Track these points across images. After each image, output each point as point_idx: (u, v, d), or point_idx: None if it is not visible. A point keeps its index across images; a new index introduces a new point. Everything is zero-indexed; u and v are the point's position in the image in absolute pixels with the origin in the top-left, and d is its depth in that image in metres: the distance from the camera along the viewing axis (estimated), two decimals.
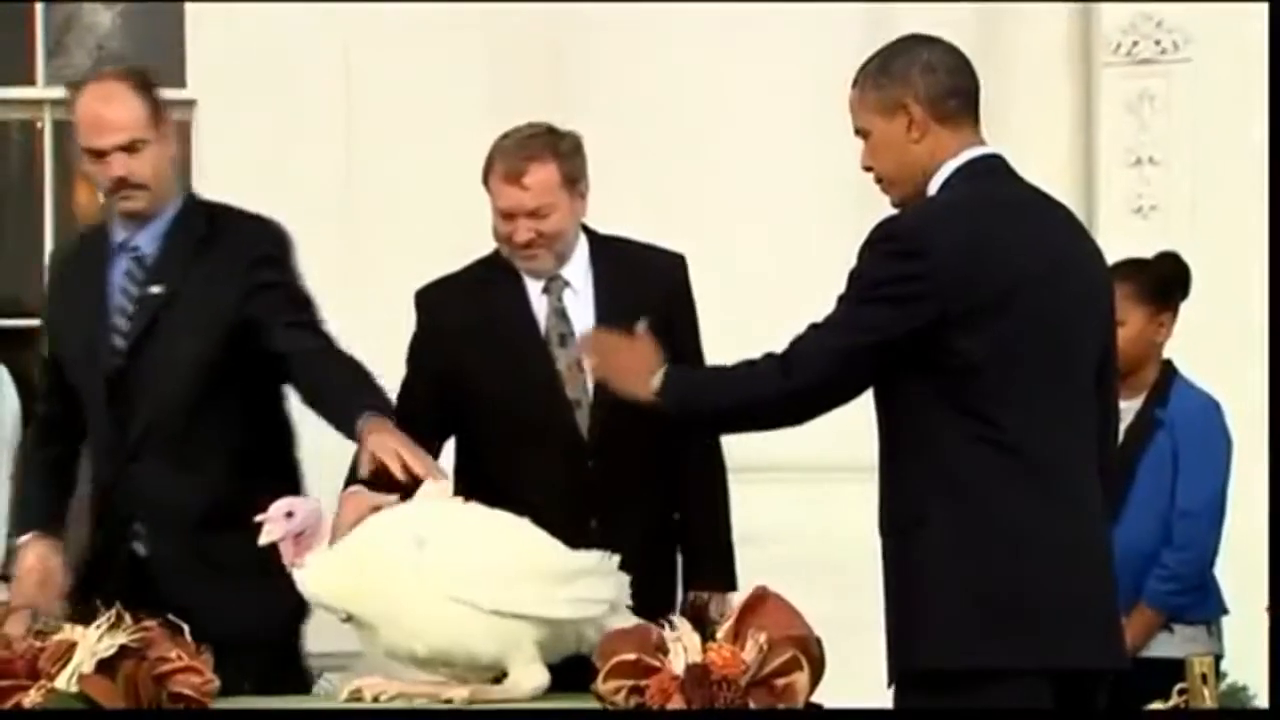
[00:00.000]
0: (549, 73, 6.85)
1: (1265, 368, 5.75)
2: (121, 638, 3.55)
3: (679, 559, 4.49)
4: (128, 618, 3.62)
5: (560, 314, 4.42)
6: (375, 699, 3.65)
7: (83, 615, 3.79)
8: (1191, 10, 6.76)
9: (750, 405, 3.65)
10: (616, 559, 3.77)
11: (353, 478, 3.98)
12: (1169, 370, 5.14)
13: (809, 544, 6.10)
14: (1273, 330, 6.02)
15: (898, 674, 3.59)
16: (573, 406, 4.38)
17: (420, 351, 4.50)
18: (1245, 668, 5.18)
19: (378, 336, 4.59)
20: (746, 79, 6.76)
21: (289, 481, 4.36)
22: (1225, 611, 5.11)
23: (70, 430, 4.62)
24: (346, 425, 4.00)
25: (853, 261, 3.62)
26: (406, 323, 4.64)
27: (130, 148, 4.45)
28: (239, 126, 7.01)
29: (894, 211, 3.69)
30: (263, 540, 3.66)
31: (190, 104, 7.13)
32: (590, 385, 4.35)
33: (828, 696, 3.56)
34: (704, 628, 3.52)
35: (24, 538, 4.57)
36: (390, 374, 4.46)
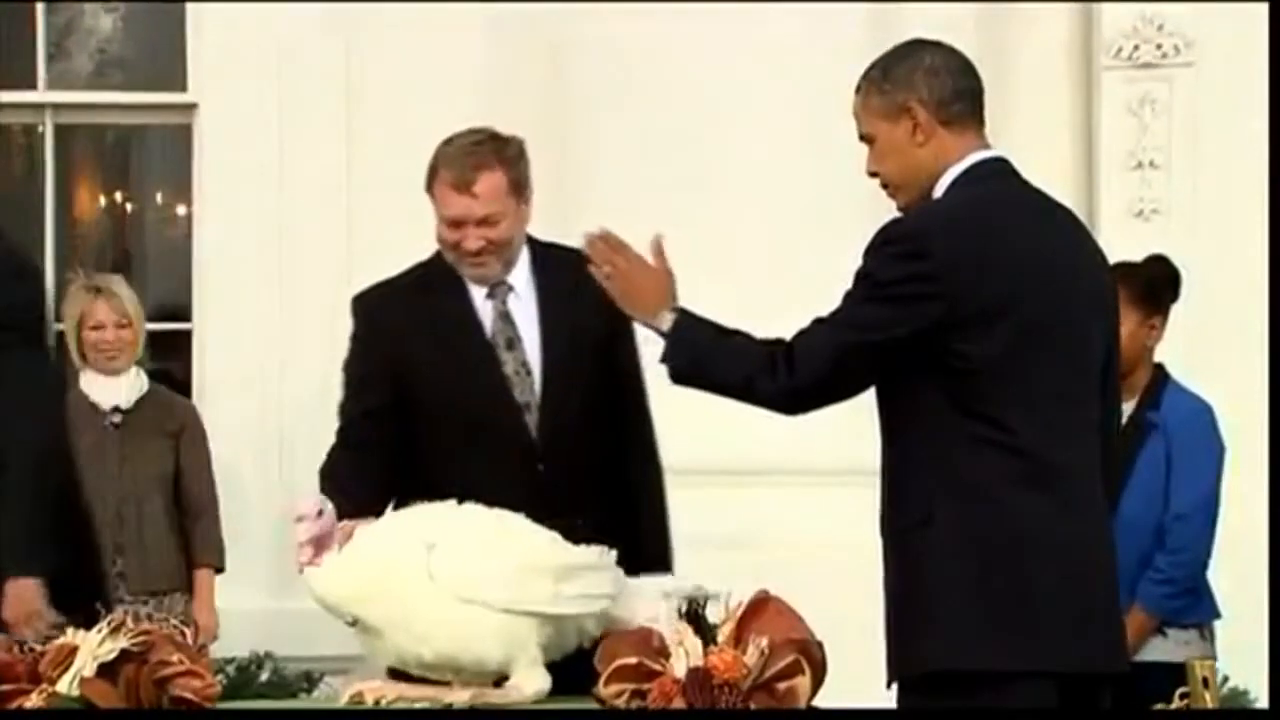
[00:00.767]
0: (549, 73, 6.86)
1: (1265, 370, 5.75)
2: (123, 641, 3.54)
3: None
4: (129, 622, 3.62)
5: (506, 317, 4.41)
6: (376, 703, 3.65)
7: None
8: (1192, 14, 6.77)
9: (750, 391, 3.64)
10: (614, 553, 3.77)
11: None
12: (1161, 374, 5.14)
13: (809, 547, 6.11)
14: (1273, 332, 6.02)
15: (901, 676, 3.58)
16: (522, 410, 4.37)
17: (364, 356, 4.45)
18: (1239, 671, 5.19)
19: None
20: (747, 79, 6.76)
21: None
22: (1218, 615, 5.11)
23: None
24: None
25: (856, 264, 3.62)
26: None
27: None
28: (239, 129, 7.02)
29: (899, 214, 3.69)
30: (302, 537, 3.63)
31: (191, 107, 7.14)
32: (538, 388, 4.36)
33: (828, 700, 3.56)
34: (705, 631, 3.52)
35: None
36: None
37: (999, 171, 3.67)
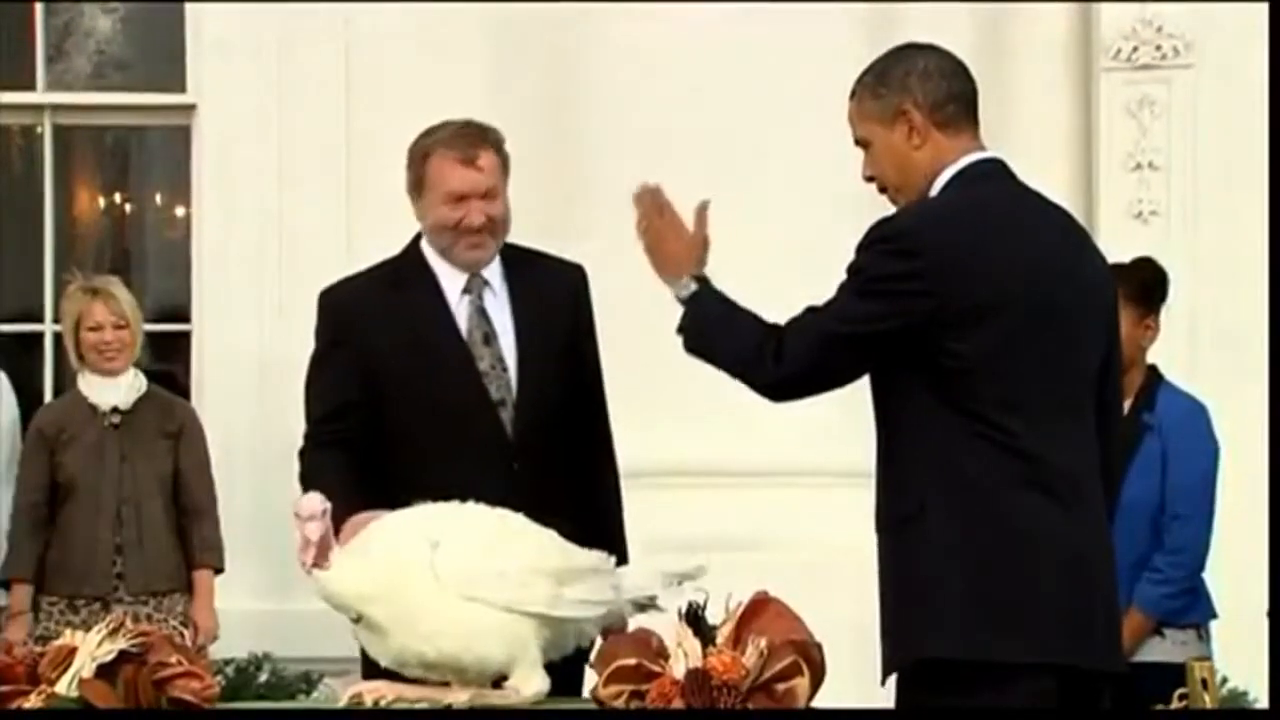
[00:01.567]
0: (549, 72, 6.86)
1: (1265, 371, 5.75)
2: (121, 642, 3.54)
3: None
4: (128, 622, 3.62)
5: (481, 313, 4.41)
6: (376, 704, 3.65)
7: None
8: (1191, 15, 6.77)
9: (743, 375, 3.67)
10: (613, 559, 3.79)
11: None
12: (1154, 375, 5.14)
13: (808, 549, 6.11)
14: (1273, 334, 6.02)
15: (897, 667, 3.58)
16: (497, 407, 4.37)
17: (333, 353, 4.43)
18: (1238, 672, 5.19)
19: None
20: (747, 79, 6.76)
21: None
22: (1215, 615, 5.11)
23: None
24: None
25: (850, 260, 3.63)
26: None
27: None
28: (238, 130, 7.02)
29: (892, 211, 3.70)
30: (311, 536, 3.61)
31: (190, 108, 7.14)
32: (514, 386, 4.37)
33: (827, 701, 3.56)
34: (704, 632, 3.52)
35: None
36: None
37: (993, 172, 3.67)
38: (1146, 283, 5.14)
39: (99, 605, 6.04)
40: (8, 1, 7.27)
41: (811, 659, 3.48)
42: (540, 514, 3.82)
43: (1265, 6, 6.50)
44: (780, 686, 3.44)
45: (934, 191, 3.65)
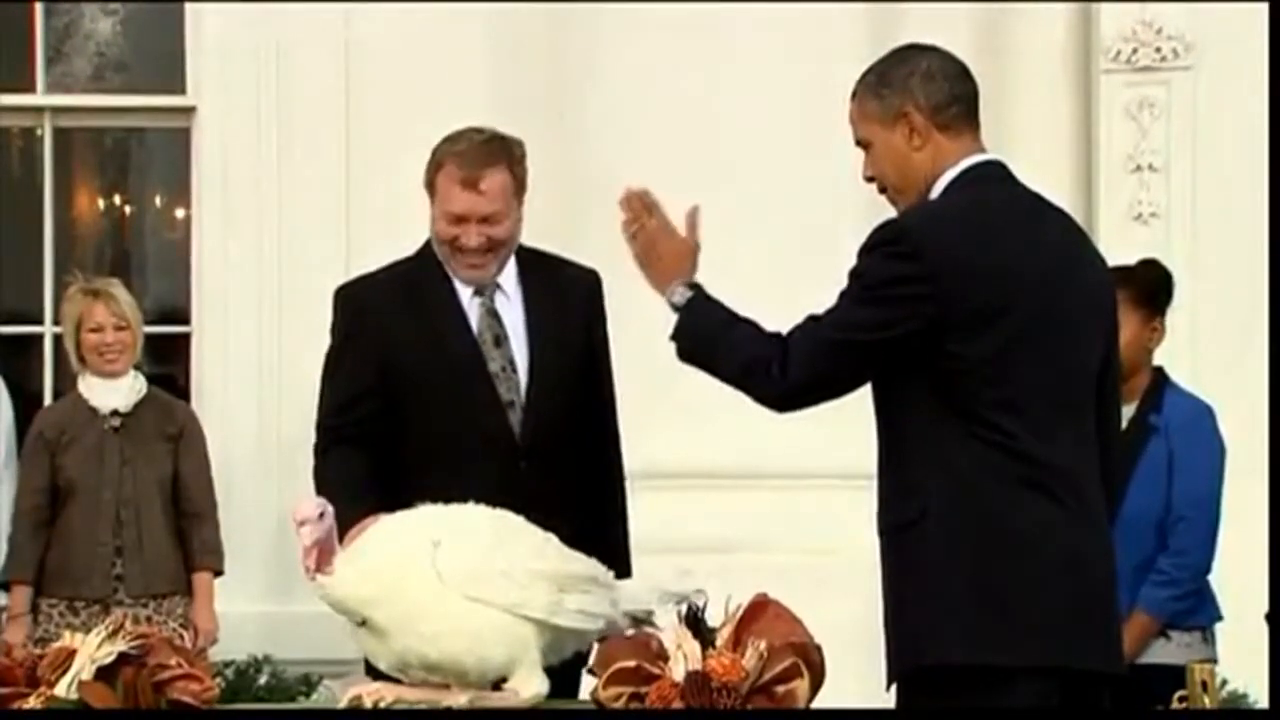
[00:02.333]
0: (549, 73, 6.86)
1: (1266, 372, 5.75)
2: (121, 645, 3.54)
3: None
4: (128, 625, 3.62)
5: (493, 314, 4.42)
6: (375, 705, 3.65)
7: None
8: (1191, 17, 6.77)
9: (744, 386, 3.65)
10: (612, 573, 3.79)
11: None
12: (1161, 376, 5.14)
13: (808, 551, 6.11)
14: (1273, 336, 6.02)
15: (900, 672, 3.58)
16: (506, 408, 4.37)
17: (348, 348, 4.42)
18: (1241, 674, 5.19)
19: None
20: (747, 79, 6.77)
21: None
22: (1220, 618, 5.11)
23: None
24: None
25: (854, 259, 3.62)
26: None
27: None
28: (238, 131, 7.02)
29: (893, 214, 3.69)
30: (307, 541, 3.61)
31: (189, 110, 7.14)
32: (524, 387, 4.37)
33: (826, 704, 3.55)
34: (704, 634, 3.52)
35: None
36: None
37: (994, 175, 3.67)
38: (1152, 285, 5.14)
39: (99, 607, 6.04)
40: (8, 2, 7.27)
41: (811, 661, 3.48)
42: (546, 515, 3.83)
43: (1265, 7, 6.50)
44: (780, 688, 3.44)
45: (935, 193, 3.65)
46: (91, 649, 3.54)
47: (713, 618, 3.56)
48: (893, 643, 3.59)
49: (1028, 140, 6.31)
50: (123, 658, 3.53)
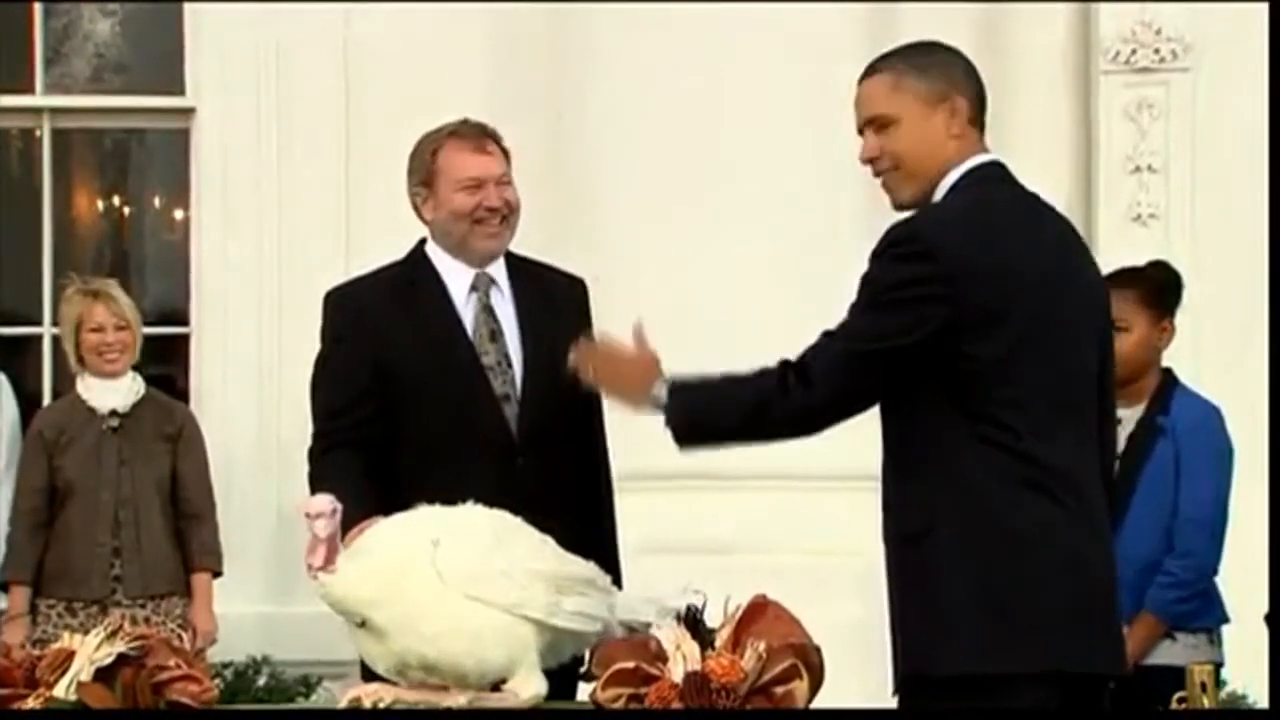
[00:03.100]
0: (548, 72, 6.86)
1: (1266, 373, 5.74)
2: (120, 646, 3.54)
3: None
4: (126, 626, 3.62)
5: (488, 310, 4.43)
6: (374, 706, 3.65)
7: None
8: (1190, 18, 6.77)
9: (765, 422, 3.62)
10: (609, 577, 3.80)
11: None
12: (1169, 378, 5.13)
13: (807, 552, 6.10)
14: (1273, 337, 6.02)
15: (906, 680, 3.57)
16: (501, 403, 4.38)
17: (341, 350, 4.43)
18: (1247, 676, 5.18)
19: None
20: (747, 79, 6.76)
21: None
22: (1226, 619, 5.10)
23: None
24: None
25: (855, 260, 3.61)
26: None
27: None
28: (237, 132, 7.02)
29: (901, 215, 3.67)
30: (322, 535, 3.60)
31: (189, 111, 7.14)
32: (519, 382, 4.38)
33: (825, 705, 3.55)
34: (703, 635, 3.52)
35: None
36: None
37: (998, 175, 3.67)
38: (1161, 286, 5.13)
39: (97, 608, 6.04)
40: (7, 2, 7.27)
41: (810, 662, 3.48)
42: (542, 510, 3.83)
43: (1265, 8, 6.50)
44: (779, 689, 3.44)
45: (941, 191, 3.63)
46: (90, 650, 3.54)
47: (712, 618, 3.55)
48: (899, 650, 3.58)
49: (1027, 141, 6.30)
50: (121, 659, 3.53)
